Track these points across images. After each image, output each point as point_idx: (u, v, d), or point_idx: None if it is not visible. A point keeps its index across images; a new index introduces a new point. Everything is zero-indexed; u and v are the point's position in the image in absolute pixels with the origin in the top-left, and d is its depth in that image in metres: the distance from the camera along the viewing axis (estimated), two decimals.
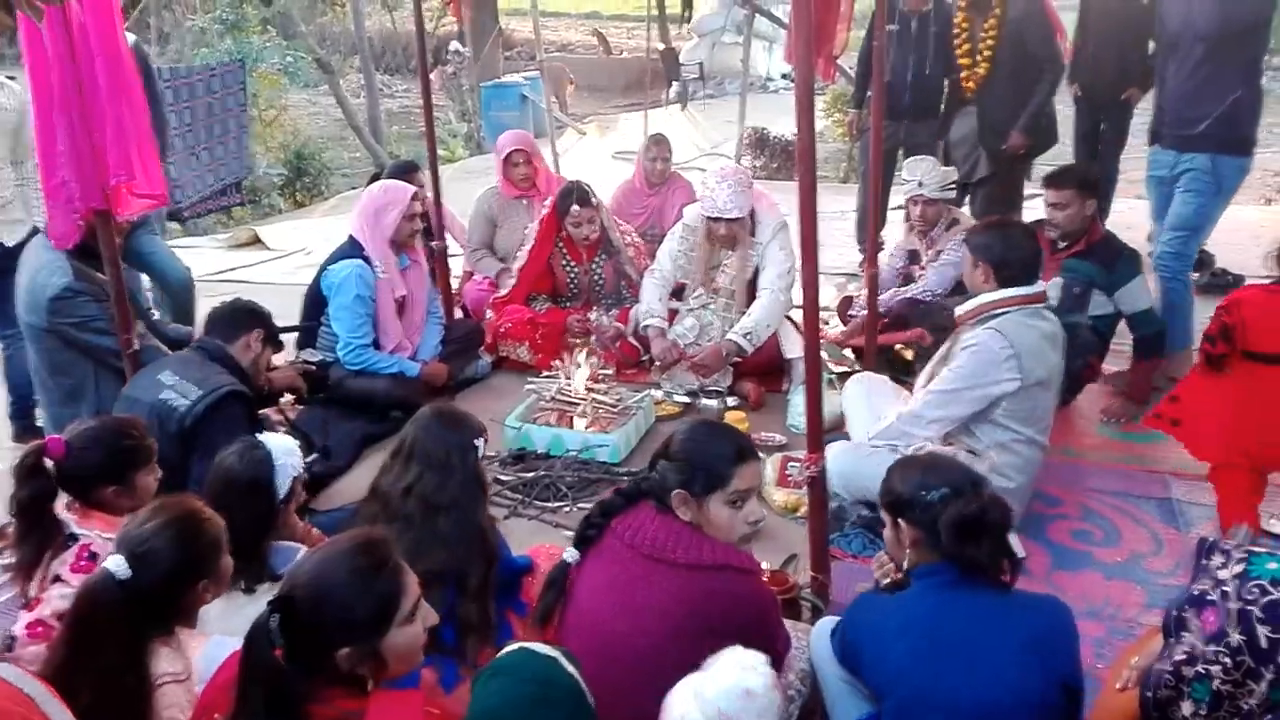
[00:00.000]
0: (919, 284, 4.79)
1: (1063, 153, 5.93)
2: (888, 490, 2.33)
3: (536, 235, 5.12)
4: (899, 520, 2.29)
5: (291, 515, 2.77)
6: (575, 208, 4.94)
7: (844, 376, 4.38)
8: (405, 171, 5.26)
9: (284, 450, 2.69)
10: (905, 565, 2.27)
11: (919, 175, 4.68)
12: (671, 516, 2.25)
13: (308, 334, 4.51)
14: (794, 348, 4.58)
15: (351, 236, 4.51)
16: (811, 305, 2.72)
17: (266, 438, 2.70)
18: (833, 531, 3.36)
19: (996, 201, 5.55)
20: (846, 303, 5.22)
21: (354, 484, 3.85)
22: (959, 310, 3.36)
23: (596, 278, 5.26)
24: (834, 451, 3.29)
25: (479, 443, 2.58)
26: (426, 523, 2.45)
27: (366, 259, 4.43)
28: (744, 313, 4.68)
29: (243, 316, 3.67)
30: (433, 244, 5.18)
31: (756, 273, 4.71)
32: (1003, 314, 3.21)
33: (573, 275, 5.24)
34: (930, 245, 4.80)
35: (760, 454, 4.10)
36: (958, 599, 2.12)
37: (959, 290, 4.37)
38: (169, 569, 2.10)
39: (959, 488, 2.21)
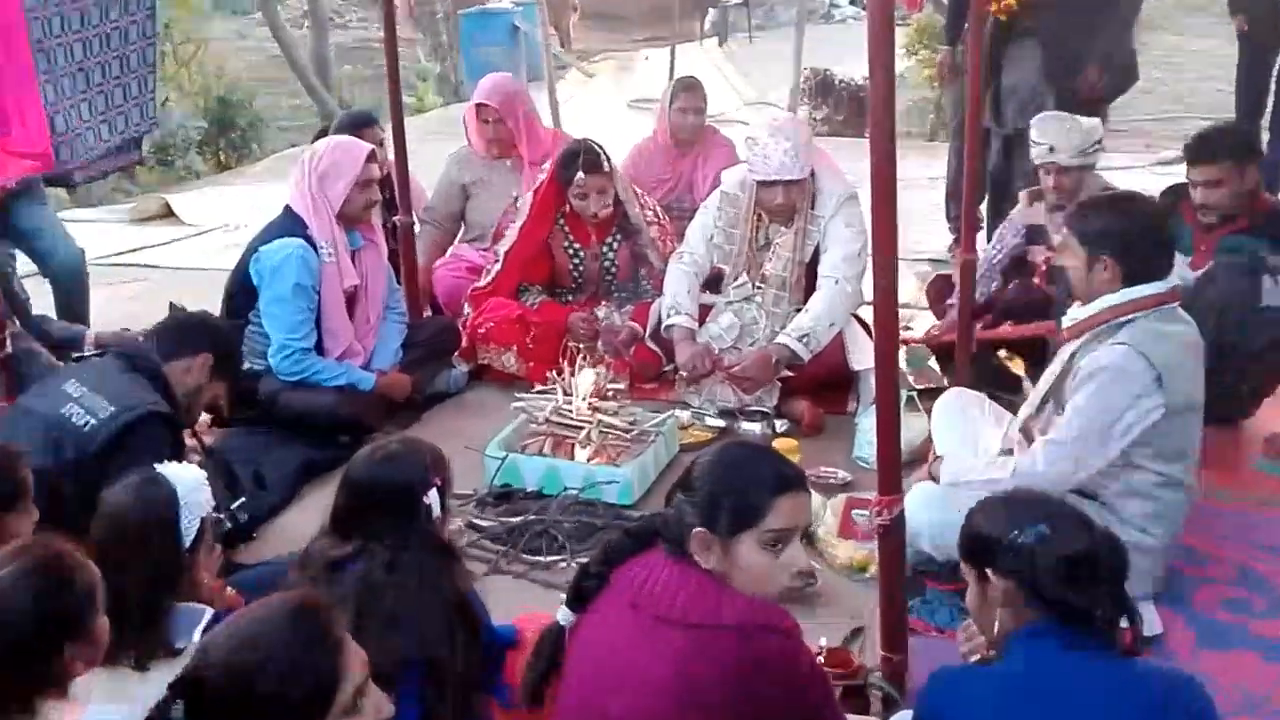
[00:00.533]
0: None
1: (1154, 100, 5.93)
2: (969, 535, 2.36)
3: (531, 209, 5.14)
4: (985, 572, 2.32)
5: (200, 570, 2.76)
6: (581, 175, 4.97)
7: (929, 395, 4.37)
8: (359, 125, 5.29)
9: (191, 485, 2.68)
10: (997, 630, 2.30)
11: (1050, 138, 4.64)
12: (689, 564, 2.24)
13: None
14: (863, 356, 4.57)
15: (289, 208, 4.54)
16: (887, 299, 2.71)
17: (168, 469, 2.70)
18: (912, 597, 3.35)
19: None
20: (943, 286, 5.20)
21: (288, 530, 3.86)
22: (1067, 320, 3.35)
23: (608, 264, 5.28)
24: (918, 495, 3.28)
25: (431, 497, 2.60)
26: (373, 603, 2.45)
27: (309, 238, 4.46)
28: (800, 308, 4.68)
29: (194, 333, 3.71)
30: (395, 219, 5.20)
31: (816, 257, 4.70)
32: (1130, 321, 3.21)
33: (578, 261, 5.27)
34: (1065, 225, 4.76)
35: (816, 493, 4.12)
36: (1063, 665, 2.13)
37: None
38: (23, 627, 2.10)
39: (1060, 523, 2.25)
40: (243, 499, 3.44)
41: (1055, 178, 4.68)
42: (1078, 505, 2.49)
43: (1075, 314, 3.31)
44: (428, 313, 5.42)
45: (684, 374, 4.78)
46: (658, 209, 5.40)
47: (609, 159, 5.08)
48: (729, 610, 2.14)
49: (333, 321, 4.55)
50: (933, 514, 3.29)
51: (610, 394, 4.42)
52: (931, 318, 5.36)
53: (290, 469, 4.24)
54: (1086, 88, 5.51)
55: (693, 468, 2.32)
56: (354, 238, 4.63)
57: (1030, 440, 3.41)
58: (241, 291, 4.53)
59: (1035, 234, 4.93)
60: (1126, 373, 3.15)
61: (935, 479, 3.46)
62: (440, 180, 5.77)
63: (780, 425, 4.59)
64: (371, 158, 4.58)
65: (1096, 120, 4.79)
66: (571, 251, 5.25)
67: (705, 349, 4.75)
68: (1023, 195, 4.96)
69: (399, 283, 5.13)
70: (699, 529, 2.22)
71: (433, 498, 2.60)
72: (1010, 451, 3.47)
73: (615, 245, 5.26)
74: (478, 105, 5.64)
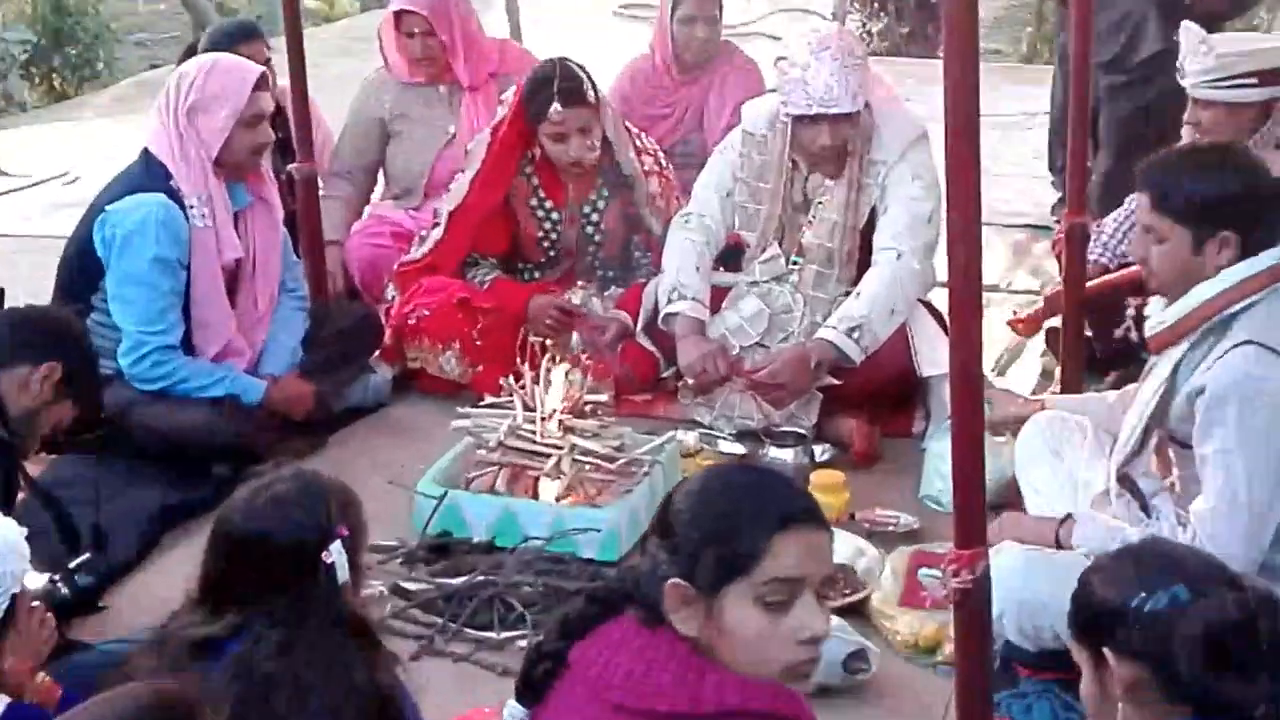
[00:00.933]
0: None
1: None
2: (1082, 604, 2.39)
3: (487, 155, 5.15)
4: (1104, 652, 2.32)
5: (20, 659, 2.78)
6: (557, 108, 4.97)
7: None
8: (238, 40, 5.28)
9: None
10: None
11: (1183, 52, 4.65)
12: (664, 632, 2.23)
13: None
14: (936, 357, 4.55)
15: (147, 153, 4.53)
16: (967, 281, 2.72)
17: None
18: (999, 689, 3.33)
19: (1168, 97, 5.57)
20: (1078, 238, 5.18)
21: (143, 596, 3.83)
22: (1153, 325, 3.38)
23: (591, 230, 5.29)
24: (1005, 563, 3.27)
25: (334, 553, 2.60)
26: (257, 701, 2.45)
27: (174, 194, 4.45)
28: (849, 291, 4.69)
29: (36, 333, 3.73)
30: (292, 168, 5.18)
31: (873, 220, 4.72)
32: (1245, 308, 3.25)
33: (549, 225, 5.28)
34: None
35: (870, 545, 4.14)
36: None
37: None
38: None
39: (1203, 584, 2.27)
40: (86, 555, 3.44)
41: (1191, 109, 4.70)
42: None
43: (1163, 315, 3.34)
44: (338, 296, 5.43)
45: (690, 381, 4.78)
46: (659, 155, 5.42)
47: (594, 85, 5.08)
48: (712, 692, 2.13)
49: (207, 309, 4.54)
50: (1020, 589, 3.27)
51: (589, 408, 4.41)
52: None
53: (146, 513, 4.22)
54: (1206, 5, 5.49)
55: (670, 499, 2.30)
56: (238, 194, 4.63)
57: (1135, 492, 3.44)
58: (81, 267, 4.51)
59: None
60: (1269, 385, 3.18)
61: (1021, 540, 3.47)
62: (350, 116, 5.76)
63: (821, 452, 4.60)
64: (262, 83, 4.57)
65: (1257, 43, 4.79)
66: (542, 213, 5.25)
67: (719, 347, 4.75)
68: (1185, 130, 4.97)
69: (298, 255, 5.12)
70: (673, 580, 2.21)
71: (336, 554, 2.60)
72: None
73: (601, 205, 5.27)
74: (397, 14, 5.63)
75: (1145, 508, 3.44)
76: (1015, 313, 5.16)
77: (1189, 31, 4.67)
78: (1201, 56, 4.57)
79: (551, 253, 5.30)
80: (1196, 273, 3.30)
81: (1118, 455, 3.48)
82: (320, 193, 5.48)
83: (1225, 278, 3.25)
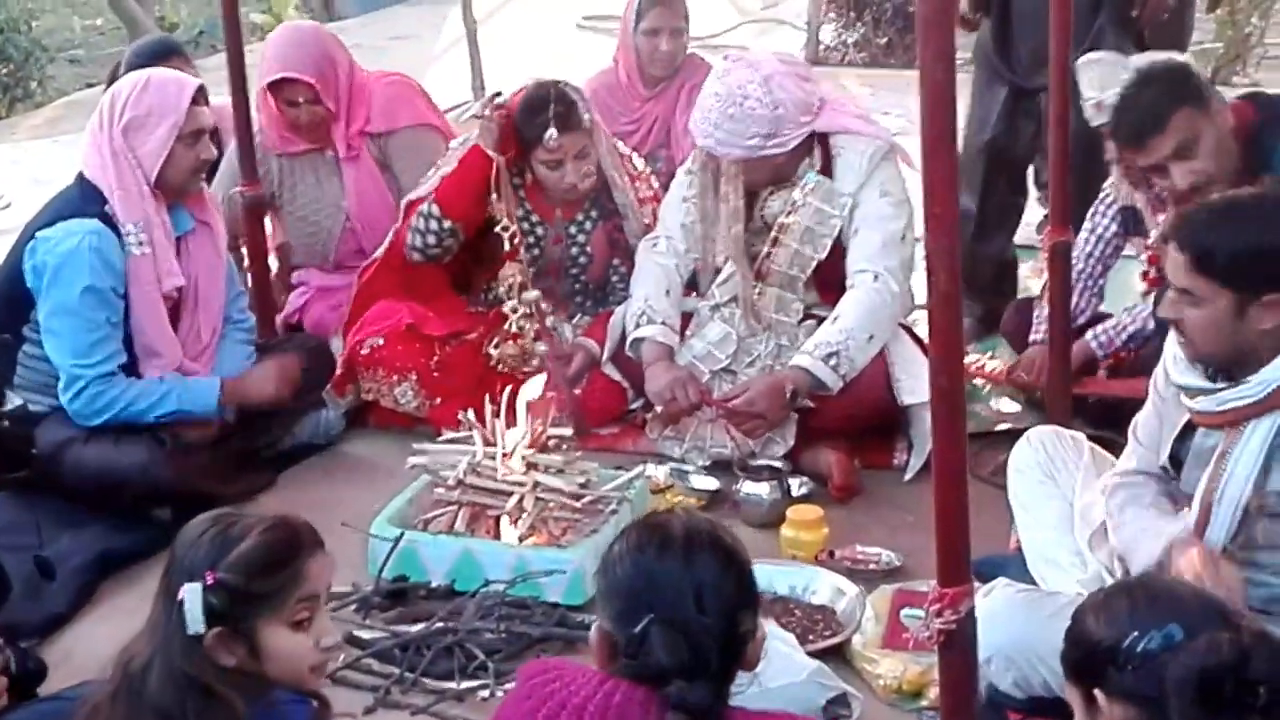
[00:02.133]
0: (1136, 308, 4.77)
1: None
2: (1074, 642, 2.43)
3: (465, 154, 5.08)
4: (1095, 693, 2.36)
5: None
6: (553, 133, 4.95)
7: (1005, 439, 4.40)
8: (159, 58, 5.25)
9: None
10: None
11: (1096, 84, 4.61)
12: None
13: None
14: (917, 384, 4.55)
15: (82, 177, 4.51)
16: (948, 304, 2.71)
17: None
18: None
19: None
20: (1025, 314, 5.20)
21: (79, 651, 3.81)
22: (1226, 398, 3.24)
23: (576, 251, 5.33)
24: (994, 603, 3.27)
25: (186, 591, 2.54)
26: None
27: (108, 219, 4.42)
28: (812, 313, 4.73)
29: None
30: (236, 191, 5.17)
31: (840, 246, 4.74)
32: None
33: (533, 241, 5.28)
34: (1156, 211, 4.75)
35: (852, 583, 4.11)
36: None
37: None
38: None
39: (1198, 622, 2.30)
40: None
41: (1112, 145, 4.64)
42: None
43: (1238, 392, 3.22)
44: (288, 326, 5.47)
45: (659, 409, 4.79)
46: (653, 179, 5.44)
47: (588, 107, 5.09)
48: None
49: (150, 338, 4.52)
50: (1008, 633, 3.24)
51: (553, 443, 4.40)
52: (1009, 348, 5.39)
53: (82, 560, 4.19)
54: (1147, 4, 5.51)
55: None
56: (180, 218, 4.61)
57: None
58: (12, 298, 4.48)
59: (1128, 219, 4.92)
60: None
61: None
62: (222, 190, 5.45)
63: (798, 485, 4.58)
64: (199, 98, 4.57)
65: (1180, 59, 4.75)
66: (527, 226, 5.25)
67: (689, 374, 4.77)
68: (1116, 169, 4.93)
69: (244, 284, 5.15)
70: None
71: (188, 595, 2.54)
72: None
73: (589, 225, 5.29)
74: (275, 83, 5.37)
75: None
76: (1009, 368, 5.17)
77: (1103, 63, 4.65)
78: (1121, 75, 4.53)
79: (532, 270, 5.25)
80: (1242, 339, 3.20)
81: (1215, 538, 3.33)
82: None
83: None
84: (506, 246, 5.10)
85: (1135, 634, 2.30)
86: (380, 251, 5.24)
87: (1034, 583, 3.61)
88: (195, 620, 2.53)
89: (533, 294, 5.01)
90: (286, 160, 5.57)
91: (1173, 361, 3.35)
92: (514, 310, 5.03)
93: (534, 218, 5.25)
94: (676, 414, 4.75)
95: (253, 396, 4.71)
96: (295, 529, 2.66)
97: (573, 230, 5.28)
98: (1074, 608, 2.84)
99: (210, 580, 2.53)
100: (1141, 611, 2.34)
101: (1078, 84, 4.68)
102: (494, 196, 5.06)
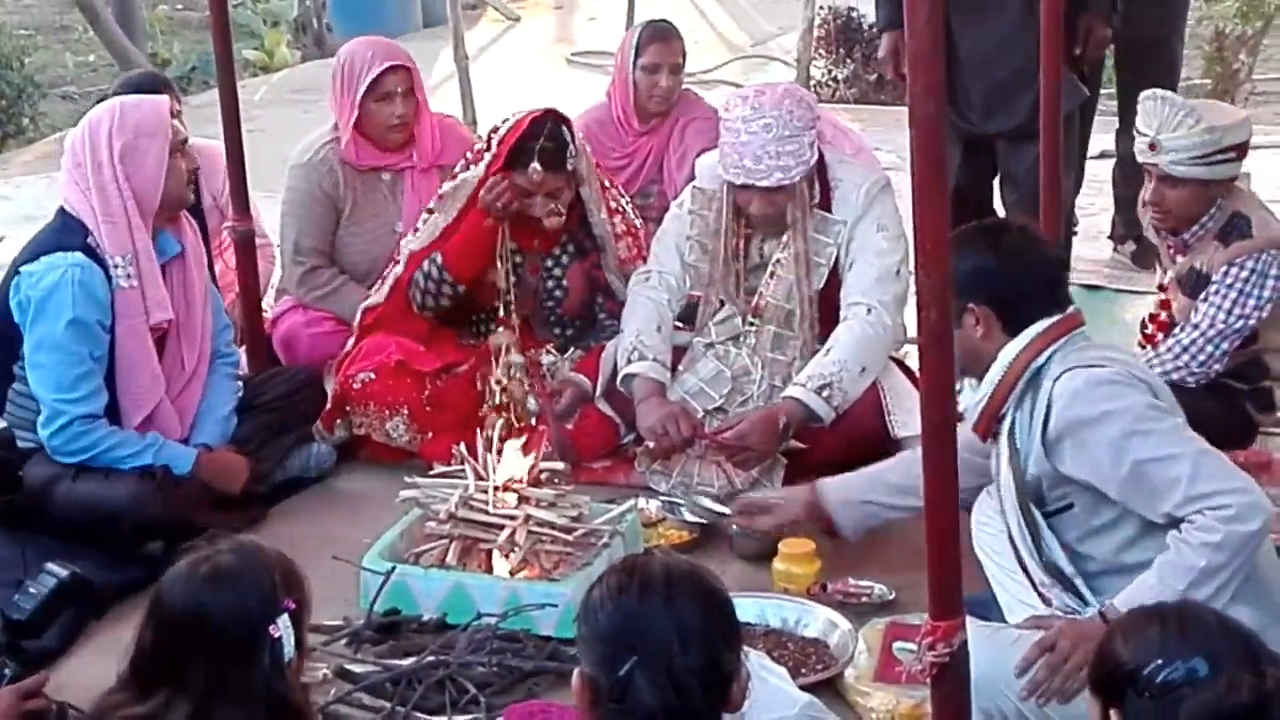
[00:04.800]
0: (1164, 344, 4.70)
1: None
2: (1102, 657, 2.45)
3: (468, 203, 5.12)
4: (1111, 713, 2.38)
5: None
6: (536, 167, 4.96)
7: None
8: (149, 91, 5.19)
9: None
10: None
11: (1157, 123, 4.58)
12: None
13: None
14: (909, 418, 4.57)
15: (64, 211, 4.52)
16: (938, 340, 2.74)
17: None
18: None
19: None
20: None
21: (71, 684, 3.73)
22: (973, 407, 3.55)
23: (551, 285, 5.33)
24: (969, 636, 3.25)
25: (280, 628, 2.59)
26: None
27: (93, 251, 4.43)
28: (814, 350, 4.71)
29: None
30: (227, 226, 5.19)
31: (836, 278, 4.75)
32: (1046, 361, 3.50)
33: (509, 269, 5.26)
34: (1177, 252, 4.76)
35: (843, 616, 4.10)
36: None
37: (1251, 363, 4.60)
38: None
39: (1223, 660, 2.30)
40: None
41: (1156, 185, 4.64)
42: None
43: (976, 395, 3.57)
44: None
45: (650, 445, 4.78)
46: (630, 212, 5.44)
47: (575, 151, 5.07)
48: None
49: (133, 375, 4.50)
50: (982, 658, 3.18)
51: (545, 477, 4.41)
52: None
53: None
54: (1089, 42, 5.63)
55: None
56: (166, 242, 4.61)
57: (1062, 577, 3.50)
58: (2, 332, 4.47)
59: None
60: (1103, 373, 3.41)
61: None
62: (300, 197, 5.57)
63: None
64: (172, 110, 4.61)
65: (1237, 115, 4.74)
66: (505, 255, 5.25)
67: (680, 409, 4.76)
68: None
69: (232, 319, 5.15)
70: None
71: (284, 629, 2.58)
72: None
73: (565, 260, 5.31)
74: (385, 72, 5.45)
75: (1076, 590, 3.50)
76: None
77: (1167, 103, 4.58)
78: (1187, 130, 4.49)
79: (507, 297, 5.24)
80: (967, 346, 3.49)
81: (1027, 555, 3.53)
82: (298, 274, 5.53)
83: (1022, 338, 3.48)
84: (501, 312, 5.17)
85: (1159, 662, 2.32)
86: (381, 297, 5.23)
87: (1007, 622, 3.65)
88: (290, 645, 2.59)
89: (518, 359, 5.00)
90: (354, 175, 5.58)
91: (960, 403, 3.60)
92: (499, 382, 5.02)
93: (512, 245, 5.23)
94: (668, 449, 4.75)
95: (220, 484, 4.64)
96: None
97: (549, 264, 5.28)
98: (1024, 641, 3.03)
99: (291, 606, 2.60)
100: (1171, 640, 2.35)
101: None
102: (498, 263, 5.15)
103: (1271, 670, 2.29)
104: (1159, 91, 4.69)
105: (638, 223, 5.43)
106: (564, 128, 5.06)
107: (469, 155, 5.20)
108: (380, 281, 5.30)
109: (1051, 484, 3.46)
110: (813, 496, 4.23)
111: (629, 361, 4.84)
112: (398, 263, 5.24)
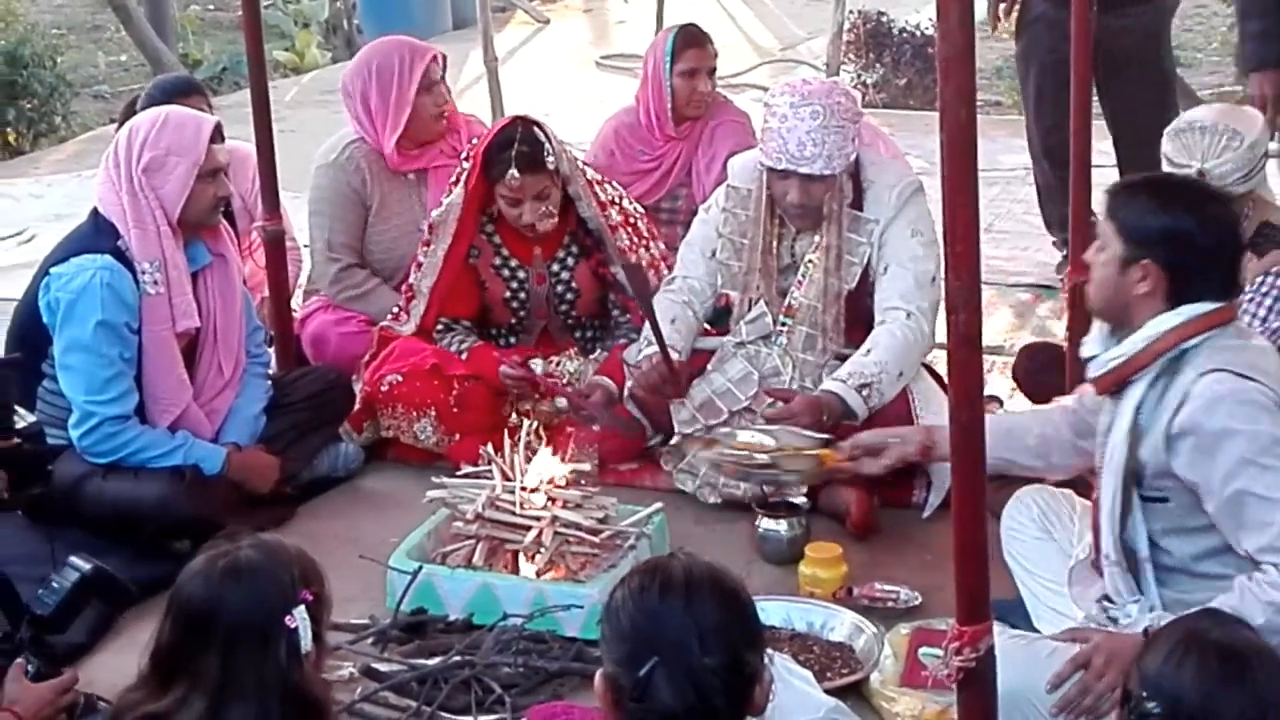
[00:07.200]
0: None
1: None
2: (1147, 673, 2.45)
3: (457, 226, 5.16)
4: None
5: None
6: (514, 173, 4.97)
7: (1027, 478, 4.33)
8: (177, 96, 5.28)
9: None
10: None
11: (1199, 153, 4.55)
12: None
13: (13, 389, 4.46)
14: (937, 422, 4.43)
15: (96, 212, 4.54)
16: (967, 347, 2.75)
17: None
18: None
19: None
20: (1038, 358, 5.22)
21: (100, 678, 3.77)
22: (1105, 359, 3.45)
23: (561, 289, 5.33)
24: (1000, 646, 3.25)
25: (297, 618, 2.60)
26: None
27: (122, 254, 4.46)
28: (842, 354, 4.74)
29: None
30: (257, 226, 5.19)
31: (867, 279, 4.77)
32: (1195, 345, 3.40)
33: (516, 286, 5.30)
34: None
35: (870, 621, 4.10)
36: None
37: None
38: None
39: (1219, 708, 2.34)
40: (22, 633, 3.46)
41: None
42: None
43: (1114, 351, 3.45)
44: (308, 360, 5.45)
45: (637, 390, 4.82)
46: (624, 201, 5.42)
47: (554, 146, 5.06)
48: None
49: (159, 381, 4.54)
50: (1004, 675, 3.16)
51: (574, 478, 4.42)
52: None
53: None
54: None
55: None
56: (197, 252, 4.63)
57: (1131, 557, 3.47)
58: (30, 333, 4.52)
59: None
60: (1249, 391, 3.29)
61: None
62: (328, 195, 5.58)
63: (816, 523, 4.59)
64: (216, 135, 4.57)
65: (1258, 119, 4.71)
66: (508, 272, 5.28)
67: (661, 356, 4.74)
68: None
69: (262, 319, 5.17)
70: None
71: (300, 621, 2.59)
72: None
73: (571, 262, 5.31)
74: (430, 63, 5.53)
75: (1136, 574, 3.47)
76: None
77: (1206, 132, 4.50)
78: (1233, 154, 4.47)
79: (521, 313, 5.30)
80: (1119, 295, 3.43)
81: (1107, 526, 3.48)
82: (331, 273, 5.53)
83: (1181, 312, 3.36)
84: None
85: (1144, 693, 2.37)
86: (409, 331, 5.24)
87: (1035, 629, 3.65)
88: (306, 638, 2.60)
89: (562, 404, 5.03)
90: (382, 174, 5.60)
91: (1083, 344, 3.57)
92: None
93: (513, 262, 5.25)
94: (649, 385, 4.78)
95: (249, 483, 4.69)
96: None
97: (555, 268, 5.28)
98: (1062, 654, 3.01)
99: (308, 598, 2.62)
100: (1170, 666, 2.39)
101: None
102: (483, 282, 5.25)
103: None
104: (1190, 120, 4.61)
105: (638, 210, 5.44)
106: (536, 129, 5.05)
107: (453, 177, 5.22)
108: (405, 314, 5.28)
109: (1156, 473, 3.39)
110: (929, 440, 4.20)
111: (639, 352, 4.89)
112: (414, 298, 5.24)
